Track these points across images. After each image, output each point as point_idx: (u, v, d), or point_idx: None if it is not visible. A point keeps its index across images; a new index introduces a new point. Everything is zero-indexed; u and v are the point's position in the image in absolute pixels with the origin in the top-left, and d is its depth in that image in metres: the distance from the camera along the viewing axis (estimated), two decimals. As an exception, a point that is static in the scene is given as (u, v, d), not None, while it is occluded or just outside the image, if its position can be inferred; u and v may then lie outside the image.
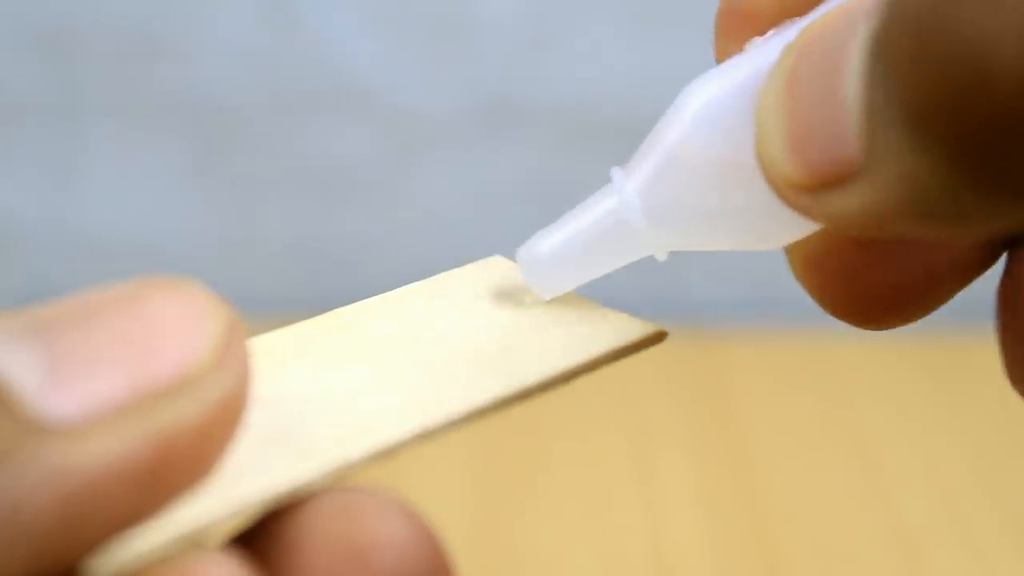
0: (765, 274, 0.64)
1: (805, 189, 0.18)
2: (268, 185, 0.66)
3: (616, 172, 0.21)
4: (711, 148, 0.19)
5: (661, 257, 0.21)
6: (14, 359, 0.16)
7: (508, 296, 0.22)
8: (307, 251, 0.68)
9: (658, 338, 0.22)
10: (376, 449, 0.18)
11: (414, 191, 0.66)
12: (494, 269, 0.23)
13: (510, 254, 0.24)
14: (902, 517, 0.54)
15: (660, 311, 0.66)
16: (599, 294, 0.24)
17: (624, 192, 0.21)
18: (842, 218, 0.17)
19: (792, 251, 0.22)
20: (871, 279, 0.21)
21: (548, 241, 0.22)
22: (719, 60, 0.22)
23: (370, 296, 0.22)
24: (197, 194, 0.66)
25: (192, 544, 0.16)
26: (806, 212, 0.18)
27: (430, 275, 0.23)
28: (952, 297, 0.22)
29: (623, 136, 0.66)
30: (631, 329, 0.22)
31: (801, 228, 0.19)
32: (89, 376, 0.16)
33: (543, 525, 0.53)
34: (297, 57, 0.64)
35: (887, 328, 0.22)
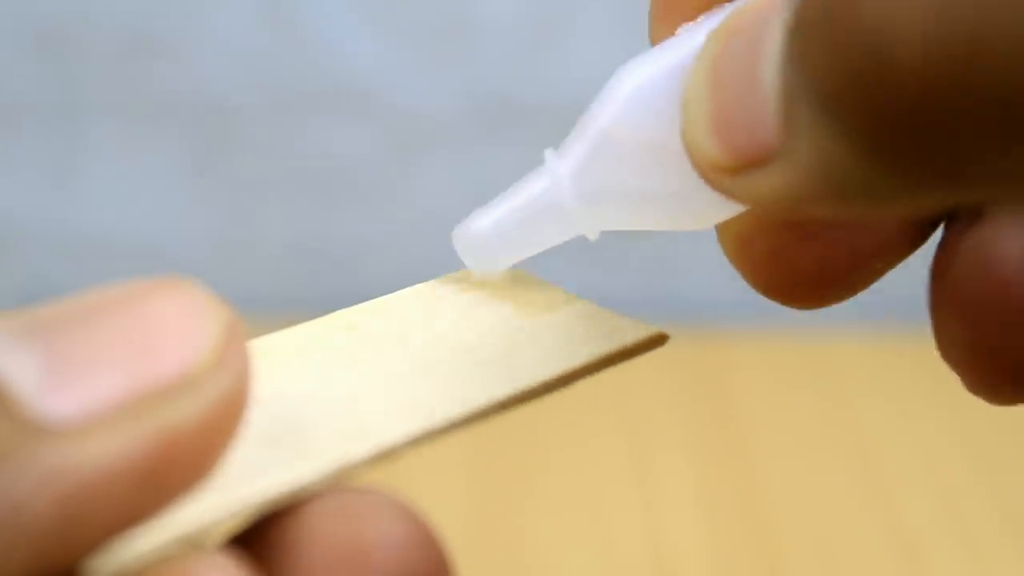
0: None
1: (726, 171, 0.18)
2: (268, 185, 0.67)
3: (549, 153, 0.21)
4: (642, 130, 0.20)
5: (592, 237, 0.22)
6: (13, 360, 0.16)
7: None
8: (307, 251, 0.68)
9: (659, 341, 0.22)
10: (376, 451, 0.18)
11: (414, 191, 0.66)
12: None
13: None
14: (902, 517, 0.54)
15: (660, 311, 0.66)
16: (599, 292, 0.24)
17: (556, 174, 0.21)
18: (761, 199, 0.18)
19: (722, 231, 0.23)
20: (800, 258, 0.22)
21: (482, 220, 0.22)
22: (653, 43, 0.22)
23: (370, 296, 0.22)
24: (197, 194, 0.66)
25: (192, 545, 0.16)
26: (728, 193, 0.18)
27: (430, 275, 0.23)
28: (882, 276, 0.22)
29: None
30: (632, 332, 0.22)
31: (728, 209, 0.20)
32: (88, 376, 0.16)
33: (543, 525, 0.53)
34: (297, 57, 0.64)
35: (816, 307, 0.23)
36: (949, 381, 0.67)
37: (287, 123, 0.65)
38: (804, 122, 0.17)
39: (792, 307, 0.23)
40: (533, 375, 0.20)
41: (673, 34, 0.20)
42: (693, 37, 0.19)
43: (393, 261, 0.67)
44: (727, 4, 0.19)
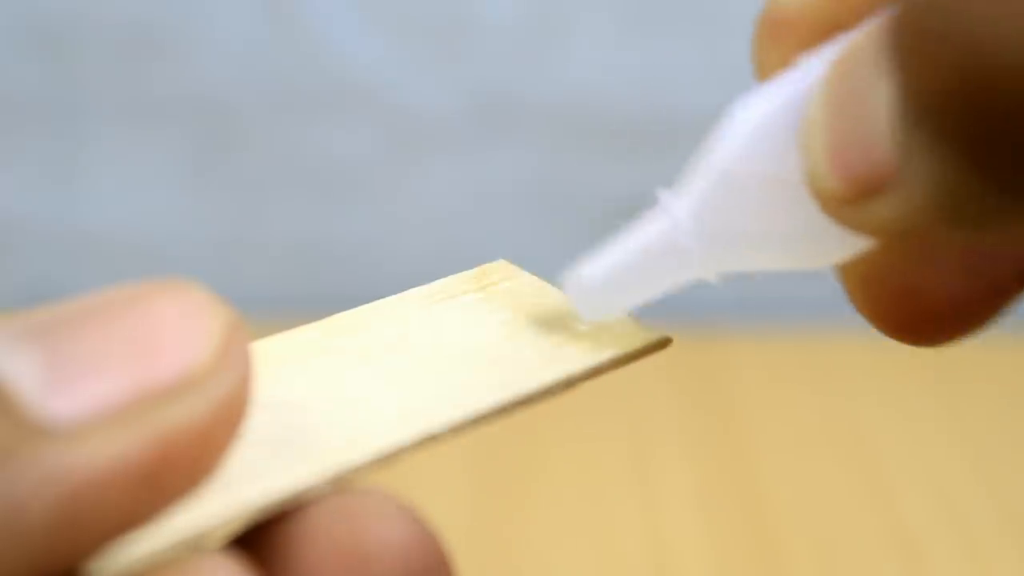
0: (765, 274, 0.64)
1: (845, 201, 0.17)
2: (268, 185, 0.67)
3: (664, 193, 0.20)
4: (762, 166, 0.19)
5: (712, 279, 0.21)
6: (14, 361, 0.16)
7: (554, 323, 0.22)
8: (308, 251, 0.68)
9: (662, 345, 0.22)
10: (378, 454, 0.18)
11: (414, 191, 0.66)
12: (497, 273, 0.23)
13: (510, 254, 0.24)
14: (902, 517, 0.54)
15: (660, 310, 0.65)
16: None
17: (675, 214, 0.20)
18: (882, 228, 0.17)
19: (846, 272, 0.22)
20: (929, 294, 0.21)
21: (596, 266, 0.21)
22: (757, 68, 0.21)
23: (370, 297, 0.22)
24: (197, 194, 0.66)
25: (193, 547, 0.16)
26: (848, 224, 0.18)
27: (430, 275, 0.23)
28: (1012, 305, 0.21)
29: (622, 136, 0.66)
30: (635, 336, 0.21)
31: (853, 245, 0.19)
32: (89, 378, 0.16)
33: (543, 526, 0.53)
34: (297, 56, 0.64)
35: (946, 344, 0.22)
36: (949, 381, 0.67)
37: (287, 123, 0.65)
38: (916, 144, 0.16)
39: (922, 346, 0.22)
40: (535, 379, 0.20)
41: (779, 59, 0.20)
42: (812, 67, 0.19)
43: (393, 261, 0.67)
44: (848, 32, 0.19)
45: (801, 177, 0.18)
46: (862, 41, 0.17)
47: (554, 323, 0.22)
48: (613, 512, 0.54)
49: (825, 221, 0.18)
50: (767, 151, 0.19)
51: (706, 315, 0.66)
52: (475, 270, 0.23)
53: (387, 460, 0.18)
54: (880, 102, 0.17)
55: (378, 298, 0.22)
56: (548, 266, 0.23)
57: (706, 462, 0.56)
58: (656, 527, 0.53)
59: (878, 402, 0.60)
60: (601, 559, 0.52)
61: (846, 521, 0.53)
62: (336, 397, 0.19)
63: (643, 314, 0.22)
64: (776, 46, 0.21)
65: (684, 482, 0.55)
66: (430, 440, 0.19)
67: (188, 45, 0.64)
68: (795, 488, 0.55)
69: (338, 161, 0.66)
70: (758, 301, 0.66)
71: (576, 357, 0.21)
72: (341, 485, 0.18)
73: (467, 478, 0.55)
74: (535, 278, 0.23)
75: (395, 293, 0.22)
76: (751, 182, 0.19)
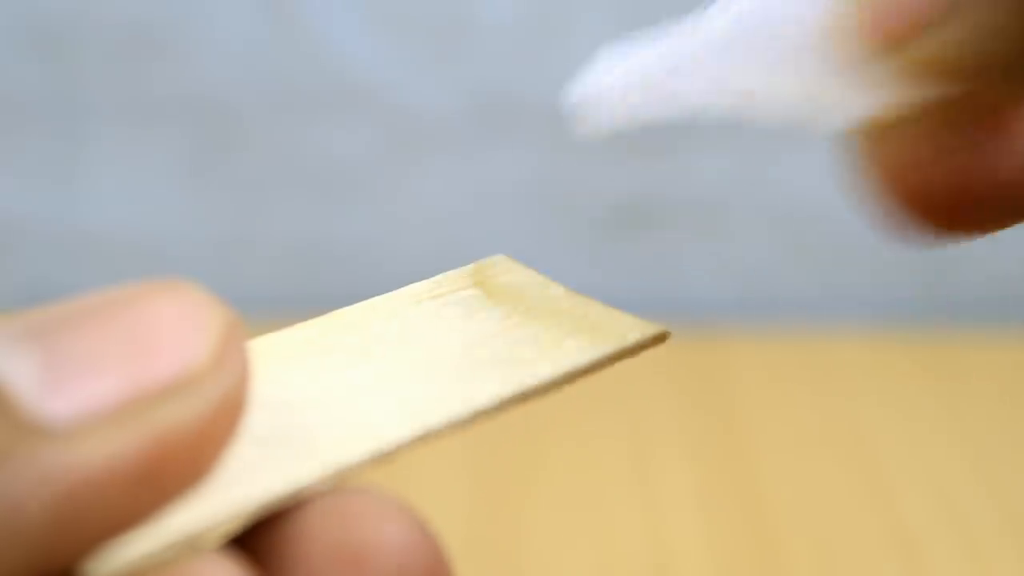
0: (765, 274, 0.64)
1: (893, 38, 0.17)
2: (268, 185, 0.67)
3: (703, 8, 0.20)
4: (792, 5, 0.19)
5: (720, 107, 0.20)
6: (11, 362, 0.16)
7: (553, 317, 0.22)
8: (307, 251, 0.68)
9: (661, 339, 0.21)
10: (376, 451, 0.18)
11: (414, 191, 0.66)
12: (495, 268, 0.23)
13: (510, 254, 0.24)
14: (902, 517, 0.54)
15: (660, 310, 0.66)
16: (599, 292, 0.24)
17: (704, 32, 0.20)
18: (922, 64, 0.17)
19: (862, 148, 0.21)
20: (938, 170, 0.20)
21: (627, 65, 0.21)
22: None
23: (370, 296, 0.22)
24: (197, 194, 0.67)
25: (190, 547, 0.16)
26: (894, 61, 0.17)
27: (430, 275, 0.23)
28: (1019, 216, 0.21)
29: (622, 136, 0.66)
30: (634, 330, 0.21)
31: (877, 97, 0.19)
32: (86, 377, 0.16)
33: (543, 526, 0.53)
34: (297, 56, 0.64)
35: (963, 235, 0.21)
36: (949, 381, 0.67)
37: (287, 123, 0.65)
38: None
39: (937, 233, 0.21)
40: (534, 374, 0.20)
41: None
42: None
43: (393, 261, 0.67)
44: None
45: (830, 19, 0.18)
46: None
47: (553, 317, 0.22)
48: (613, 512, 0.54)
49: (848, 71, 0.18)
50: None
51: (706, 315, 0.66)
52: (473, 265, 0.23)
53: (386, 457, 0.18)
54: None
55: (378, 298, 0.22)
56: (548, 266, 0.23)
57: (706, 462, 0.56)
58: (656, 527, 0.53)
59: (878, 402, 0.60)
60: (601, 559, 0.52)
61: (846, 521, 0.53)
62: (334, 394, 0.19)
63: (643, 312, 0.22)
64: None
65: (684, 482, 0.55)
66: (429, 436, 0.19)
67: (188, 45, 0.64)
68: (795, 488, 0.55)
69: (338, 161, 0.66)
70: (758, 301, 0.66)
71: (575, 351, 0.21)
72: (339, 483, 0.18)
73: (466, 478, 0.55)
74: (534, 273, 0.23)
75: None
76: (777, 21, 0.19)
